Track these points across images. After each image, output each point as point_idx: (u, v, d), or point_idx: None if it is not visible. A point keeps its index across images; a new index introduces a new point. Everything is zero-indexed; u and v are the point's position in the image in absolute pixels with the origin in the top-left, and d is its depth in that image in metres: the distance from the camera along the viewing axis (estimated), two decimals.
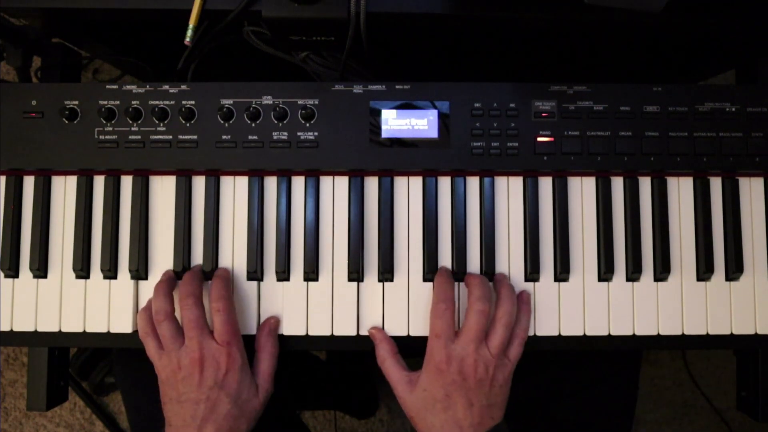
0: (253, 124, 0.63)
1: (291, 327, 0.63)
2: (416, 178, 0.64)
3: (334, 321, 0.63)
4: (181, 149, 0.63)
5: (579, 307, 0.63)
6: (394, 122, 0.63)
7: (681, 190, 0.65)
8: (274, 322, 0.63)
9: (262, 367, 0.61)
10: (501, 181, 0.64)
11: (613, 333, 0.63)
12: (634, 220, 0.64)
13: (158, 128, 0.63)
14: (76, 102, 0.63)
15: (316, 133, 0.63)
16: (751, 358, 0.67)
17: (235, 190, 0.64)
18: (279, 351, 0.62)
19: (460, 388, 0.56)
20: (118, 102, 0.63)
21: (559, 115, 0.63)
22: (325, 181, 0.64)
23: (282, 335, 0.63)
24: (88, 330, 0.63)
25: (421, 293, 0.63)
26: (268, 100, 0.63)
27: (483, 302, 0.58)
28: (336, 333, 0.63)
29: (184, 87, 0.63)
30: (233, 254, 0.63)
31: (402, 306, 0.63)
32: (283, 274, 0.63)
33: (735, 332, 0.63)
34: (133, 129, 0.63)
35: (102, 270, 0.63)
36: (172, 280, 0.62)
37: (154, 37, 0.75)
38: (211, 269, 0.63)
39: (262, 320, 0.63)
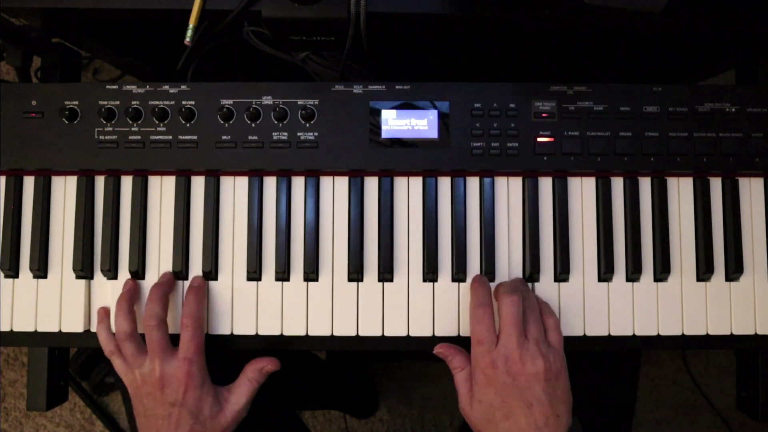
0: (253, 125, 0.63)
1: (291, 327, 0.63)
2: (416, 179, 0.64)
3: (334, 321, 0.63)
4: (181, 149, 0.63)
5: (579, 307, 0.63)
6: (394, 122, 0.63)
7: (681, 191, 0.65)
8: (272, 366, 0.62)
9: (240, 392, 0.60)
10: (501, 182, 0.64)
11: (613, 333, 0.63)
12: (634, 220, 0.64)
13: (158, 128, 0.63)
14: (76, 102, 0.63)
15: (316, 134, 0.63)
16: (751, 358, 0.67)
17: (235, 190, 0.64)
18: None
19: (514, 390, 0.54)
20: (118, 102, 0.63)
21: (559, 115, 0.63)
22: (325, 182, 0.64)
23: (282, 336, 0.63)
24: (88, 330, 0.63)
25: (421, 294, 0.63)
26: (268, 100, 0.63)
27: (510, 293, 0.57)
28: (336, 333, 0.63)
29: (184, 87, 0.63)
30: (233, 254, 0.63)
31: (402, 306, 0.63)
32: (283, 275, 0.63)
33: (735, 332, 0.63)
34: (133, 129, 0.63)
35: (102, 270, 0.63)
36: (132, 292, 0.62)
37: (154, 37, 0.75)
38: (210, 269, 0.63)
39: (260, 321, 0.63)
